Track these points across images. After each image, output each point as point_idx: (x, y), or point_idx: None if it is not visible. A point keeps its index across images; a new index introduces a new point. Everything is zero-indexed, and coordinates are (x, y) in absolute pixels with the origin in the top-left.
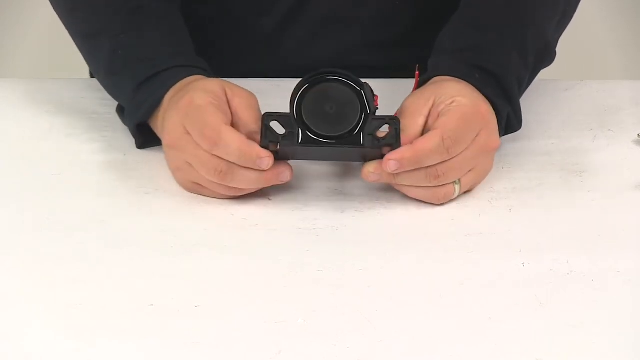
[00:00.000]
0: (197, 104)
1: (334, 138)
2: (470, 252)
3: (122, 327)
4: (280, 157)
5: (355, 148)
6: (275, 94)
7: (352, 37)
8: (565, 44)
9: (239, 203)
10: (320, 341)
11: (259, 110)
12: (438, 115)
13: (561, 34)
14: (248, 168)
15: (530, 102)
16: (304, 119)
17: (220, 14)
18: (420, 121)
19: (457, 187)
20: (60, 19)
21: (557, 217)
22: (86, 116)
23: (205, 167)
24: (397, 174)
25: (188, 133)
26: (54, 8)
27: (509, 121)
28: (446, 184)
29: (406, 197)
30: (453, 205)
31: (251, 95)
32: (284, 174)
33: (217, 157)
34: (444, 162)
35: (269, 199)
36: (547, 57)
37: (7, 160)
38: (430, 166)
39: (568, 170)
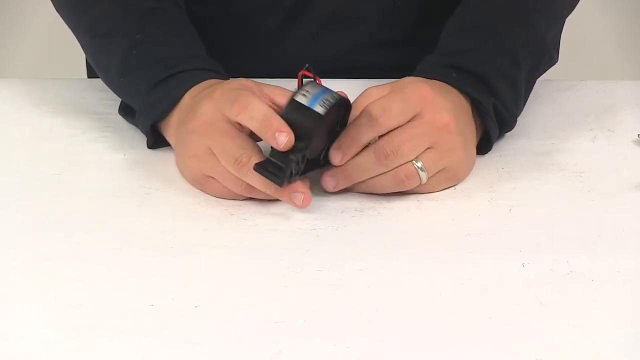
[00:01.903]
0: (232, 87)
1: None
2: (470, 252)
3: (122, 327)
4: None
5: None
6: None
7: (355, 37)
8: (565, 44)
9: (239, 203)
10: (320, 341)
11: None
12: None
13: (559, 34)
14: None
15: (530, 102)
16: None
17: (221, 14)
18: (377, 94)
19: (418, 166)
20: (65, 17)
21: (557, 217)
22: (86, 116)
23: (227, 154)
24: (352, 171)
25: (221, 120)
26: (57, 8)
27: (500, 115)
28: (402, 165)
29: (406, 197)
30: (453, 205)
31: (282, 89)
32: (297, 196)
33: (241, 146)
34: (386, 137)
35: (269, 199)
36: (543, 57)
37: (7, 160)
38: (375, 146)
39: (568, 170)
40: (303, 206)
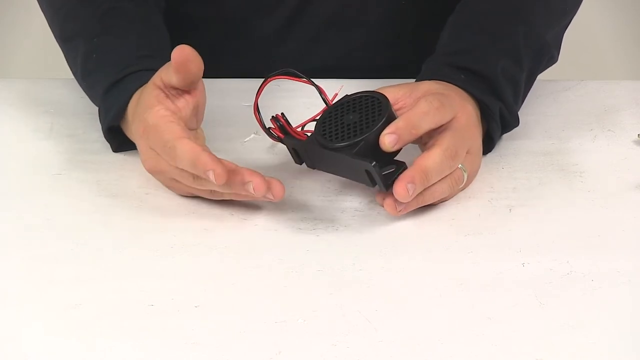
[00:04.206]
0: (150, 123)
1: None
2: (470, 252)
3: (122, 327)
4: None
5: (349, 157)
6: (276, 94)
7: (357, 38)
8: (565, 44)
9: (239, 203)
10: (320, 341)
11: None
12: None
13: (562, 33)
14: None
15: (530, 102)
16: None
17: (222, 15)
18: (392, 94)
19: (460, 167)
20: (47, 21)
21: (557, 217)
22: (86, 116)
23: (194, 184)
24: (431, 171)
25: (159, 154)
26: (42, 12)
27: (503, 118)
28: (456, 170)
29: None
30: (453, 205)
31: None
32: (269, 188)
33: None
34: (449, 136)
35: (270, 199)
36: (544, 57)
37: (7, 160)
38: (442, 146)
39: (568, 170)
40: (276, 195)
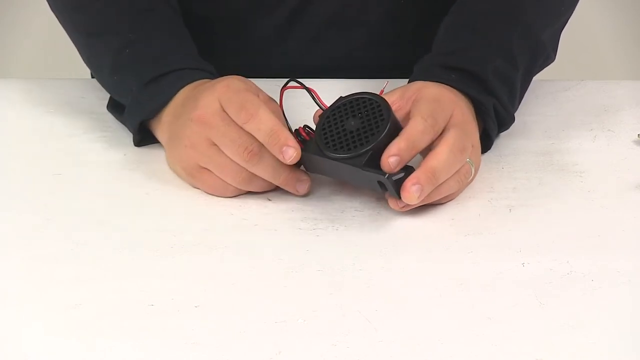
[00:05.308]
0: (237, 87)
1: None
2: (470, 252)
3: (122, 327)
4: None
5: (358, 169)
6: (276, 95)
7: (357, 38)
8: (565, 43)
9: (239, 203)
10: (320, 341)
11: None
12: (411, 104)
13: (558, 33)
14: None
15: (529, 102)
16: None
17: (221, 15)
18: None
19: (468, 160)
20: (60, 17)
21: (557, 217)
22: (86, 116)
23: (235, 144)
24: (439, 170)
25: (224, 111)
26: (51, 6)
27: (498, 115)
28: (463, 165)
29: None
30: (453, 205)
31: (276, 103)
32: (302, 183)
33: (250, 136)
34: (454, 133)
35: (269, 199)
36: (540, 57)
37: (7, 160)
38: (448, 142)
39: (568, 170)
40: (306, 192)
